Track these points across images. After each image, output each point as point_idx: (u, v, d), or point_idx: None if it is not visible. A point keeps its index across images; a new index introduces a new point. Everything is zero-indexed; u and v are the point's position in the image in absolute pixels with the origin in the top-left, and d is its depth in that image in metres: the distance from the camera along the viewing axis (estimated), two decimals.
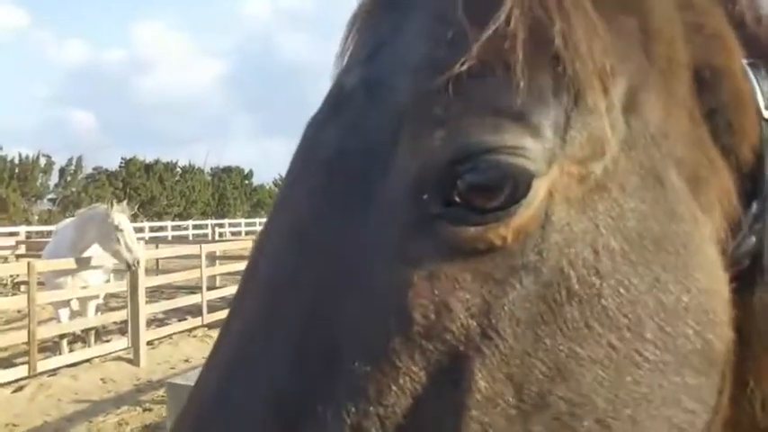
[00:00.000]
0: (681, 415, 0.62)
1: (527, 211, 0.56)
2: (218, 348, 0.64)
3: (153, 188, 58.08)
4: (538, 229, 0.57)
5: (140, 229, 36.69)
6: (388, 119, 0.60)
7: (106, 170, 59.05)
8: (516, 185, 0.56)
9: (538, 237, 0.57)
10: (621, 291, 0.59)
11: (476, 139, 0.56)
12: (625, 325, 0.58)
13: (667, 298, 0.61)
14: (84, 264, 9.94)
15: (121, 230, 9.86)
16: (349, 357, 0.54)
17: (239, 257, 15.71)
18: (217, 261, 15.48)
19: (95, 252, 10.29)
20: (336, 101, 0.69)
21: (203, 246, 13.30)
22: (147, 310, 10.51)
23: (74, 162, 54.39)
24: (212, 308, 12.76)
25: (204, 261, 12.85)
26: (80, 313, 10.51)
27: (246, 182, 73.60)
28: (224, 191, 67.96)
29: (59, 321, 10.23)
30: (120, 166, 60.21)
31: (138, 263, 10.12)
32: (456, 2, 0.59)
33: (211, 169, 70.37)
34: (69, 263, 9.76)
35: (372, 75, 0.65)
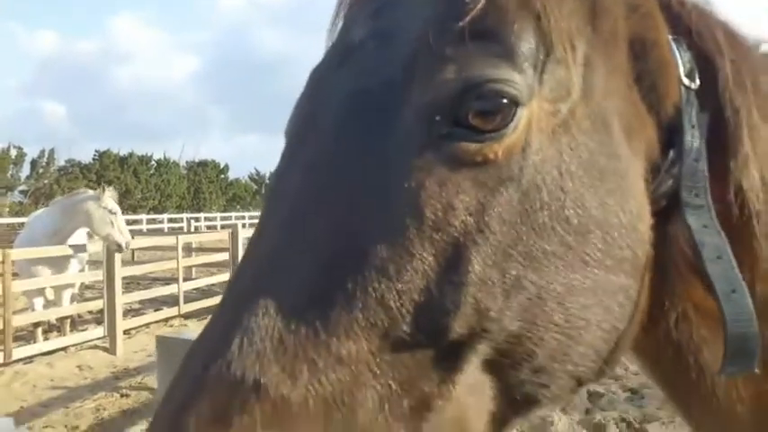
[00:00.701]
0: (615, 306, 0.79)
1: (513, 135, 0.72)
2: (249, 254, 0.76)
3: (127, 181, 57.43)
4: (520, 150, 0.73)
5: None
6: (402, 60, 0.75)
7: (79, 163, 58.35)
8: (507, 112, 0.71)
9: (520, 156, 0.73)
10: (578, 205, 0.75)
11: (479, 72, 0.71)
12: (580, 231, 0.75)
13: (609, 215, 0.78)
14: (60, 252, 9.93)
15: (114, 213, 10.20)
16: (375, 247, 0.68)
17: (215, 249, 15.75)
18: (193, 253, 15.49)
19: (72, 240, 10.33)
20: (345, 51, 0.82)
21: (180, 237, 13.28)
22: (123, 299, 10.49)
23: (46, 154, 53.68)
24: (188, 298, 12.78)
25: (181, 252, 12.84)
26: (54, 303, 10.48)
27: (222, 176, 73.17)
28: (199, 185, 67.48)
29: (33, 310, 10.20)
30: (93, 159, 59.50)
31: (128, 245, 10.51)
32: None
33: (187, 163, 69.83)
34: (45, 251, 9.74)
35: (382, 26, 0.79)
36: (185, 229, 27.59)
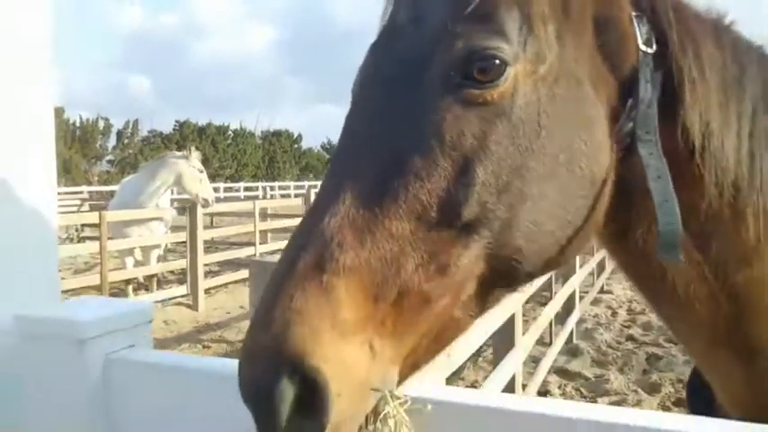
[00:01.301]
0: (573, 208, 1.06)
1: (504, 84, 1.00)
2: (331, 169, 1.06)
3: (205, 151, 59.24)
4: (510, 95, 1.01)
5: None
6: (431, 37, 1.03)
7: (161, 133, 60.71)
8: (499, 69, 0.99)
9: (510, 99, 1.01)
10: (551, 134, 1.03)
11: (479, 43, 0.99)
12: (552, 153, 1.02)
13: (575, 143, 1.05)
14: (148, 214, 10.71)
15: (203, 171, 11.29)
16: (413, 161, 0.97)
17: (288, 216, 16.37)
18: (268, 218, 16.16)
19: (161, 203, 11.13)
20: (392, 31, 1.11)
21: (256, 202, 13.93)
22: (204, 260, 11.19)
23: (130, 125, 56.13)
24: None
25: (258, 217, 13.49)
26: (143, 263, 11.27)
27: (295, 146, 74.53)
28: (274, 154, 69.02)
29: (125, 268, 11.02)
30: (174, 129, 61.74)
31: (213, 201, 11.65)
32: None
33: (262, 133, 71.44)
34: (136, 213, 10.50)
35: (417, 13, 1.08)
36: (260, 197, 28.53)
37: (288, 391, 0.83)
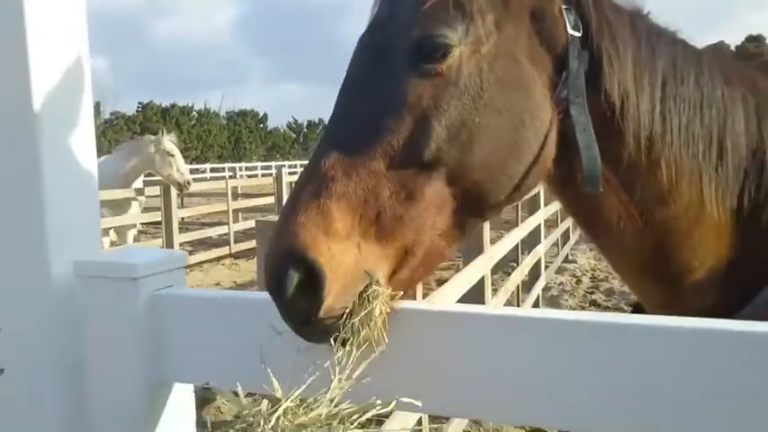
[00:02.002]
0: (520, 155, 1.35)
1: (451, 60, 1.29)
2: (327, 129, 1.35)
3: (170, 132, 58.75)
4: (456, 69, 1.30)
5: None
6: (399, 29, 1.33)
7: (123, 115, 59.85)
8: (446, 50, 1.28)
9: (455, 71, 1.30)
10: (492, 97, 1.32)
11: (430, 32, 1.29)
12: (496, 110, 1.32)
13: (517, 103, 1.35)
14: (123, 195, 10.71)
15: (173, 155, 11.01)
16: (387, 119, 1.26)
17: (258, 195, 16.51)
18: (239, 197, 16.30)
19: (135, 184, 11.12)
20: (374, 26, 1.41)
21: (229, 182, 14.05)
22: (178, 239, 11.32)
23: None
24: (237, 240, 13.59)
25: (230, 195, 13.62)
26: (118, 243, 11.35)
27: (261, 125, 74.01)
28: (239, 135, 68.47)
29: (102, 248, 11.02)
30: (137, 111, 60.88)
31: (188, 183, 11.25)
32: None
33: (227, 113, 70.71)
34: (109, 194, 10.52)
35: (392, 11, 1.38)
36: (228, 178, 28.45)
37: (293, 276, 1.11)
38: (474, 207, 1.34)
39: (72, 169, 1.50)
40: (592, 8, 1.45)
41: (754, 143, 1.55)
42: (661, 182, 1.50)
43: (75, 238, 1.50)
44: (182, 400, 1.47)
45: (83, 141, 1.53)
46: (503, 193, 1.36)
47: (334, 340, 1.12)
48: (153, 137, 11.33)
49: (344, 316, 1.14)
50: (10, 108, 1.43)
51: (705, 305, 1.56)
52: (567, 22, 1.41)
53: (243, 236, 14.65)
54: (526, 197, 1.50)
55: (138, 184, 11.73)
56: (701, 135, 1.52)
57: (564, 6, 1.42)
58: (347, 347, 1.12)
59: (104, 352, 1.40)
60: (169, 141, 11.05)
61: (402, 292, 1.23)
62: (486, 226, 5.12)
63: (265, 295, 1.21)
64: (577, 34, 1.42)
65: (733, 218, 1.55)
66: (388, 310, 1.18)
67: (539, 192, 7.83)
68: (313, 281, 1.11)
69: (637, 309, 1.81)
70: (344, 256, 1.15)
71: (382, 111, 1.28)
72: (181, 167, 11.11)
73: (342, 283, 1.14)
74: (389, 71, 1.31)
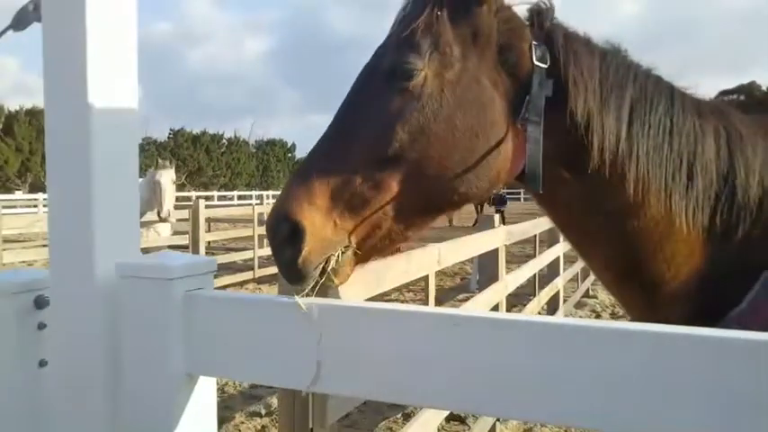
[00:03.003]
0: (473, 161, 1.61)
1: (417, 81, 1.56)
2: (327, 128, 1.63)
3: (200, 159, 59.60)
4: (420, 86, 1.57)
5: (187, 198, 37.90)
6: (387, 55, 1.62)
7: (155, 141, 60.99)
8: (412, 73, 1.56)
9: (420, 88, 1.57)
10: (451, 113, 1.58)
11: (402, 59, 1.57)
12: (453, 123, 1.58)
13: (473, 119, 1.60)
14: (149, 218, 11.00)
15: (158, 182, 11.00)
16: (364, 122, 1.58)
17: None
18: (264, 223, 16.46)
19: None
20: (375, 52, 1.68)
21: (255, 207, 14.32)
22: None
23: None
24: (261, 265, 13.79)
25: (256, 221, 13.86)
26: None
27: (289, 155, 74.81)
28: (268, 163, 69.24)
29: None
30: (168, 137, 62.00)
31: (169, 214, 11.20)
32: (408, 15, 1.64)
33: (256, 142, 71.66)
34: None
35: (388, 41, 1.68)
36: (255, 205, 28.77)
37: (283, 229, 1.47)
38: (429, 200, 1.63)
39: (117, 180, 1.66)
40: (561, 43, 1.69)
41: (725, 170, 1.70)
42: (628, 195, 1.68)
43: (118, 242, 1.66)
44: (206, 392, 1.61)
45: (128, 156, 1.70)
46: (454, 192, 1.64)
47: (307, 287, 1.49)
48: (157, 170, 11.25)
49: (317, 268, 1.48)
50: (69, 127, 1.61)
51: (683, 315, 1.69)
52: (534, 56, 1.66)
53: (267, 261, 14.83)
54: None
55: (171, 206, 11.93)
56: (670, 158, 1.68)
57: (534, 43, 1.67)
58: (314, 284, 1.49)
59: (140, 347, 1.54)
60: (161, 170, 11.11)
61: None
62: (503, 258, 5.21)
63: (281, 298, 1.40)
64: (543, 66, 1.65)
65: (706, 235, 1.69)
66: (351, 267, 1.57)
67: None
68: (296, 235, 1.45)
69: None
70: (322, 225, 1.48)
71: (362, 116, 1.59)
72: (162, 197, 11.03)
73: (317, 242, 1.46)
74: (373, 87, 1.61)
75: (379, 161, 1.53)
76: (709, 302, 1.67)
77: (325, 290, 1.54)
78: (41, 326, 1.74)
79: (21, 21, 1.60)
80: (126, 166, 1.69)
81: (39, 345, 1.74)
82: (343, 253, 1.52)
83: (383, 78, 1.59)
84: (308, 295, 1.44)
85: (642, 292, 1.78)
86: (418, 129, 1.55)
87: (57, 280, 1.64)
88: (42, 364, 1.73)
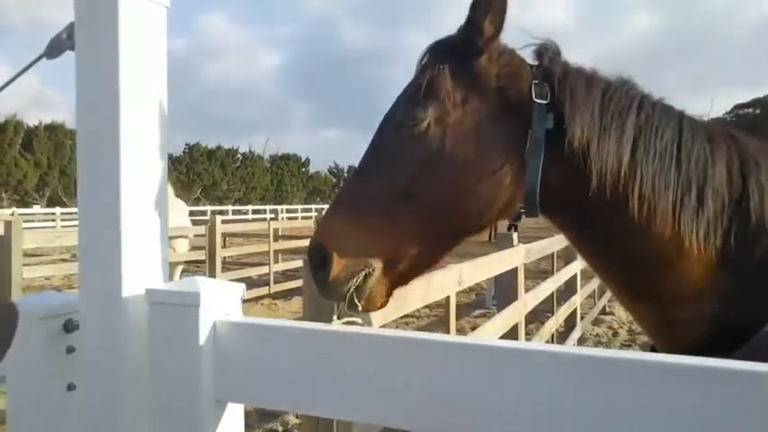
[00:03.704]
0: (477, 192, 1.75)
1: (422, 127, 1.73)
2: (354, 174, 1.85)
3: (215, 174, 60.00)
4: (425, 131, 1.73)
5: (203, 212, 38.14)
6: (400, 107, 1.81)
7: (171, 155, 61.50)
8: (420, 121, 1.73)
9: (425, 133, 1.73)
10: (454, 151, 1.73)
11: (407, 113, 1.76)
12: (455, 160, 1.73)
13: (475, 155, 1.74)
14: (171, 234, 11.05)
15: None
16: (382, 162, 1.77)
17: (297, 237, 16.79)
18: (279, 239, 16.59)
19: (180, 222, 11.45)
20: (396, 101, 1.85)
21: (271, 223, 14.38)
22: (221, 277, 11.57)
23: None
24: (276, 280, 13.82)
25: (272, 236, 13.91)
26: (170, 277, 11.60)
27: (303, 169, 75.14)
28: (282, 177, 69.57)
29: None
30: (183, 152, 62.48)
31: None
32: (422, 66, 1.86)
33: (270, 156, 72.07)
34: None
35: (404, 93, 1.84)
36: (269, 219, 28.95)
37: (316, 257, 1.70)
38: (443, 230, 1.77)
39: (146, 205, 1.68)
40: (558, 79, 1.80)
41: (738, 194, 1.72)
42: (632, 217, 1.73)
43: (146, 267, 1.68)
44: (234, 419, 1.61)
45: (157, 180, 1.71)
46: (466, 223, 1.79)
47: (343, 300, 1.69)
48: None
49: (349, 286, 1.67)
50: (99, 155, 1.63)
51: (699, 335, 1.72)
52: (534, 93, 1.77)
53: (282, 277, 14.88)
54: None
55: (186, 221, 12.08)
56: (678, 182, 1.72)
57: (535, 81, 1.79)
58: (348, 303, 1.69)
59: (170, 373, 1.54)
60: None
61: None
62: (521, 276, 5.20)
63: (313, 325, 1.42)
64: (543, 102, 1.76)
65: (721, 257, 1.70)
66: (376, 289, 1.72)
67: None
68: (325, 261, 1.68)
69: (653, 350, 1.93)
70: (346, 252, 1.68)
71: (381, 158, 1.79)
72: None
73: (342, 266, 1.67)
74: (388, 133, 1.80)
75: (395, 196, 1.71)
76: (729, 324, 1.67)
77: (368, 317, 1.80)
78: (70, 350, 1.75)
79: (54, 49, 1.62)
80: (155, 190, 1.70)
81: (67, 368, 1.75)
82: (367, 276, 1.68)
83: (396, 127, 1.77)
84: (340, 312, 1.69)
85: (658, 311, 1.81)
86: (425, 168, 1.71)
87: (86, 305, 1.65)
88: (71, 387, 1.74)
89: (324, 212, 1.83)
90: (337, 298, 1.69)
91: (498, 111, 1.77)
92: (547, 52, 1.86)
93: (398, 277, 1.74)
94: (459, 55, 1.79)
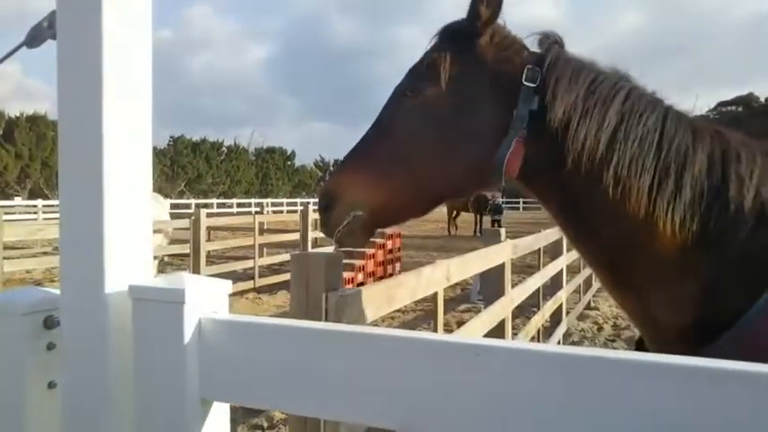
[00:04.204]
0: (462, 157, 2.00)
1: (421, 96, 2.01)
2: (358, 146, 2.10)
3: (200, 167, 59.64)
4: (423, 100, 2.00)
5: (187, 206, 37.89)
6: (404, 80, 2.08)
7: (155, 148, 60.92)
8: (421, 91, 2.00)
9: (423, 101, 2.00)
10: (448, 118, 1.98)
11: (410, 83, 2.05)
12: (446, 126, 1.99)
13: (464, 123, 1.97)
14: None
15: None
16: (385, 126, 2.05)
17: (281, 231, 16.72)
18: (265, 233, 16.50)
19: (157, 216, 11.33)
20: (403, 80, 2.10)
21: (256, 216, 14.29)
22: (205, 271, 11.51)
23: None
24: (261, 274, 13.75)
25: (257, 230, 13.83)
26: None
27: (288, 163, 74.88)
28: (267, 171, 69.30)
29: None
30: (168, 145, 62.05)
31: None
32: (428, 55, 2.06)
33: (255, 150, 71.74)
34: None
35: (407, 73, 2.09)
36: (254, 213, 28.80)
37: (323, 201, 2.05)
38: (428, 191, 2.01)
39: (130, 198, 1.64)
40: (548, 66, 1.95)
41: (718, 184, 1.77)
42: (606, 201, 1.83)
43: (130, 262, 1.64)
44: (220, 418, 1.58)
45: (141, 173, 1.68)
46: (448, 186, 2.03)
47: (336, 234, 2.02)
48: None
49: (341, 227, 1.99)
50: (82, 147, 1.59)
51: (682, 322, 1.78)
52: (525, 76, 1.92)
53: (267, 271, 14.81)
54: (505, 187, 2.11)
55: (163, 215, 11.98)
56: (656, 167, 1.79)
57: (528, 66, 1.94)
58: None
59: (153, 371, 1.51)
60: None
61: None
62: (508, 270, 5.20)
63: (302, 322, 1.38)
64: (532, 85, 1.92)
65: (698, 242, 1.75)
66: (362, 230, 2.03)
67: (561, 238, 7.89)
68: (330, 203, 2.01)
69: (637, 343, 2.07)
70: (346, 198, 1.98)
71: (384, 122, 2.03)
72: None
73: (342, 207, 1.98)
74: (393, 101, 2.05)
75: (391, 156, 1.97)
76: (706, 314, 1.72)
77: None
78: (51, 346, 1.71)
79: (35, 38, 1.57)
80: (139, 183, 1.66)
81: (48, 366, 1.70)
82: (355, 219, 1.98)
83: (399, 97, 2.02)
84: (339, 242, 2.03)
85: (636, 298, 1.92)
86: (421, 131, 1.96)
87: (67, 300, 1.61)
88: (52, 385, 1.70)
89: (335, 168, 2.12)
90: (332, 235, 2.02)
91: (491, 89, 1.96)
92: (546, 40, 2.02)
93: (381, 223, 2.06)
94: (462, 37, 1.99)
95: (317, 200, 2.11)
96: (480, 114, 1.94)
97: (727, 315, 1.65)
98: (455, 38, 1.99)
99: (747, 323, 1.62)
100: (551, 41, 2.02)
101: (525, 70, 1.93)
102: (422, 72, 1.98)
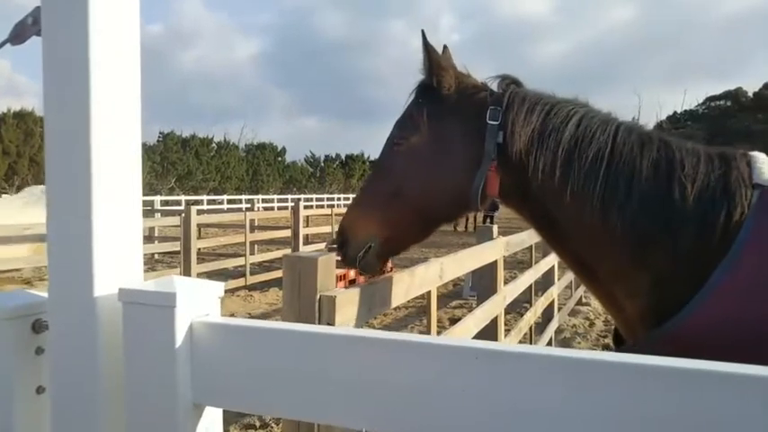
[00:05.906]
0: (444, 191, 2.34)
1: (405, 144, 2.36)
2: (362, 191, 2.50)
3: (189, 163, 59.34)
4: (406, 147, 2.34)
5: (177, 202, 37.76)
6: (392, 131, 2.41)
7: (145, 144, 60.63)
8: (405, 139, 2.36)
9: (406, 148, 2.34)
10: (427, 158, 2.30)
11: (396, 134, 2.39)
12: (426, 165, 2.31)
13: (440, 161, 2.29)
14: None
15: None
16: (382, 171, 2.42)
17: (273, 227, 16.65)
18: (255, 230, 16.43)
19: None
20: (396, 123, 2.45)
21: (247, 213, 14.22)
22: (196, 269, 11.44)
23: None
24: (252, 272, 13.69)
25: (248, 227, 13.76)
26: None
27: (279, 158, 74.66)
28: (258, 167, 69.07)
29: None
30: (157, 140, 61.71)
31: None
32: (409, 108, 2.44)
33: (246, 145, 71.48)
34: None
35: (398, 120, 2.43)
36: (244, 209, 28.69)
37: (339, 238, 2.37)
38: (422, 220, 2.33)
39: (119, 197, 1.60)
40: (505, 105, 2.25)
41: (663, 189, 2.01)
42: (571, 209, 2.12)
43: (120, 264, 1.60)
44: (213, 423, 1.55)
45: (130, 170, 1.64)
46: (437, 214, 2.35)
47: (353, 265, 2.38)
48: None
49: (359, 257, 2.33)
50: (69, 145, 1.55)
51: (640, 313, 2.05)
52: (488, 116, 2.24)
53: (258, 268, 14.76)
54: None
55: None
56: (608, 180, 2.05)
57: (491, 107, 2.25)
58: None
59: (144, 376, 1.48)
60: None
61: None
62: (501, 267, 5.18)
63: (294, 325, 1.36)
64: (495, 123, 2.22)
65: (647, 241, 2.00)
66: (376, 258, 2.38)
67: None
68: (345, 240, 2.35)
69: (615, 335, 2.43)
70: (357, 234, 2.33)
71: (380, 168, 2.40)
72: None
73: (356, 243, 2.33)
74: (385, 150, 2.39)
75: (390, 195, 2.30)
76: (663, 305, 1.93)
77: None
78: (39, 351, 1.67)
79: (19, 35, 1.53)
80: (128, 181, 1.63)
81: (37, 370, 1.67)
82: (369, 249, 2.33)
83: (389, 145, 2.38)
84: (359, 270, 2.41)
85: (604, 291, 2.22)
86: (407, 173, 2.29)
87: (56, 304, 1.57)
88: (40, 390, 1.66)
89: (349, 207, 2.50)
90: (352, 265, 2.34)
91: (461, 130, 2.28)
92: (503, 82, 2.38)
93: (392, 251, 2.40)
94: (432, 90, 2.35)
95: (335, 238, 2.45)
96: (456, 153, 2.27)
97: (674, 309, 1.87)
98: (427, 92, 2.36)
99: (648, 338, 1.91)
100: (509, 82, 2.37)
101: (488, 111, 2.25)
102: (406, 124, 2.35)
